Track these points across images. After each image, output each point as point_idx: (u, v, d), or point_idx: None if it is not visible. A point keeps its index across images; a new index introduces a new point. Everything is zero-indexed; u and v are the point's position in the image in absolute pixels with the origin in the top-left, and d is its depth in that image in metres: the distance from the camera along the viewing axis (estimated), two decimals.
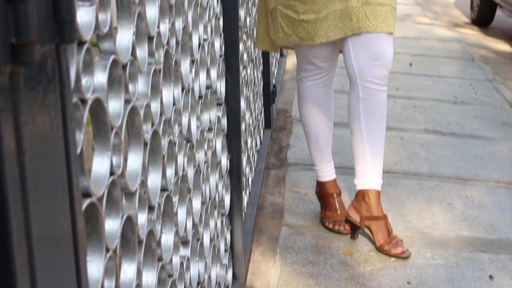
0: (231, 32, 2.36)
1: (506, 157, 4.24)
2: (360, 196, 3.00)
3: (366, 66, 2.79)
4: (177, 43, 1.58)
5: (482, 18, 8.89)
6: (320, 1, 2.76)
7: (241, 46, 2.77)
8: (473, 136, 4.59)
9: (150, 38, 1.33)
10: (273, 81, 4.60)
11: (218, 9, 2.24)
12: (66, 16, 0.73)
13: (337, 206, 3.25)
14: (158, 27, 1.37)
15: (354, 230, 3.09)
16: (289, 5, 2.82)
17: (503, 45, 7.85)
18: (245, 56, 3.00)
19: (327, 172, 3.26)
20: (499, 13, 9.28)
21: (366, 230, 3.02)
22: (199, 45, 1.88)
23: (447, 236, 3.21)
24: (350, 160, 3.89)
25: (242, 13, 2.89)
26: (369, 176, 2.94)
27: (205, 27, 1.99)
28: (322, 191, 3.28)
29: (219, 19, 2.26)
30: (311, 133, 3.24)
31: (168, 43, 1.47)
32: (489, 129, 4.74)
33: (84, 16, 0.97)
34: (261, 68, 4.02)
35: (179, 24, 1.60)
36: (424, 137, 4.50)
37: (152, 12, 1.35)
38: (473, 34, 8.33)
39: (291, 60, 6.06)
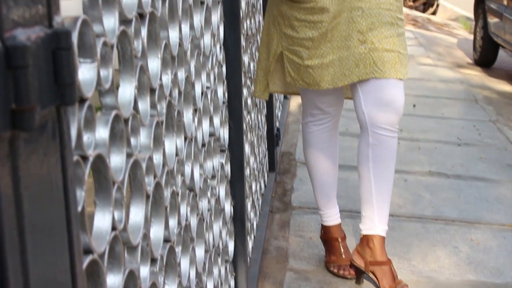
0: (234, 79, 2.37)
1: (511, 199, 4.22)
2: (365, 241, 2.98)
3: (376, 112, 2.78)
4: (179, 93, 1.58)
5: (485, 59, 8.92)
6: (324, 46, 2.75)
7: (245, 92, 2.77)
8: (477, 178, 4.58)
9: (153, 90, 1.33)
10: (277, 124, 4.60)
11: (221, 56, 2.25)
12: (66, 78, 0.73)
13: (342, 250, 3.23)
14: (161, 79, 1.38)
15: (359, 275, 3.07)
16: (294, 50, 2.82)
17: (506, 86, 7.87)
18: (249, 101, 3.01)
19: (332, 217, 3.25)
20: (501, 53, 9.32)
21: (371, 275, 3.00)
22: (202, 94, 1.89)
23: (453, 280, 3.19)
24: (354, 203, 3.88)
25: (246, 58, 2.91)
26: (374, 221, 2.93)
27: (208, 75, 2.00)
28: (327, 236, 3.27)
29: (222, 66, 2.26)
30: (316, 177, 3.23)
31: (170, 94, 1.47)
32: (494, 171, 4.73)
33: (85, 73, 0.97)
34: (265, 111, 4.03)
35: (181, 75, 1.60)
36: (429, 180, 4.49)
37: (154, 64, 1.35)
38: (476, 75, 8.35)
39: (294, 102, 6.07)
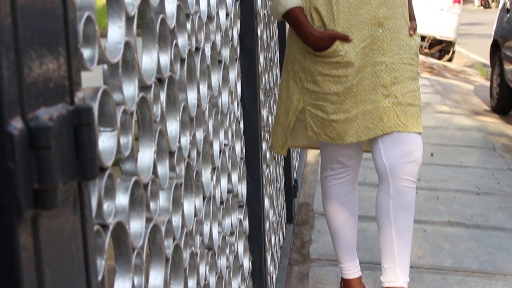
0: (252, 134, 2.38)
1: None
2: None
3: (397, 164, 2.79)
4: (198, 153, 1.59)
5: (502, 106, 8.91)
6: (349, 100, 2.77)
7: (264, 146, 2.78)
8: (497, 228, 4.54)
9: (171, 153, 1.34)
10: (295, 175, 4.61)
11: (238, 112, 2.26)
12: (88, 153, 0.74)
13: None
14: (179, 141, 1.39)
15: None
16: (318, 105, 2.83)
17: None
18: (267, 155, 3.02)
19: (352, 270, 3.24)
20: None
21: None
22: (220, 151, 1.90)
23: None
24: (373, 254, 3.85)
25: (264, 113, 2.92)
26: (396, 273, 2.92)
27: (226, 133, 2.01)
28: None
29: (239, 123, 2.28)
30: (336, 230, 3.22)
31: (189, 155, 1.48)
32: None
33: (105, 141, 0.99)
34: (282, 163, 4.03)
35: (200, 135, 1.61)
36: (448, 230, 4.46)
37: (173, 127, 1.36)
38: (493, 122, 8.33)
39: (312, 152, 6.08)
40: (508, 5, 8.82)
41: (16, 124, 0.63)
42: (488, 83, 10.99)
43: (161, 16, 1.27)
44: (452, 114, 8.59)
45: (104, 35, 1.08)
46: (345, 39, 2.72)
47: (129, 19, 1.10)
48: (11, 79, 0.63)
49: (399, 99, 2.76)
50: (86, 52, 0.92)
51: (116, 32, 1.05)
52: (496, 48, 9.22)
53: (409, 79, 2.79)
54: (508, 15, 8.68)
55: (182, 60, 1.46)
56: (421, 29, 13.91)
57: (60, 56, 0.74)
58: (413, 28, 2.85)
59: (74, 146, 0.73)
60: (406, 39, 2.81)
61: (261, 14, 2.95)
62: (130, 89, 1.10)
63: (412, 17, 2.92)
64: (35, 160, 0.64)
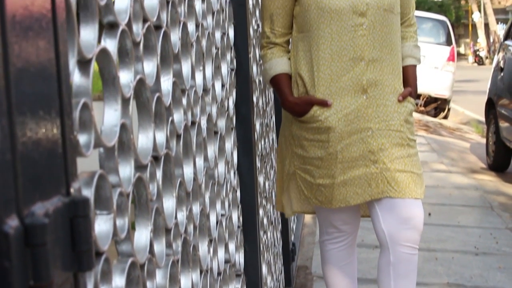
0: (248, 202, 2.38)
1: None
2: None
3: (396, 231, 2.76)
4: (194, 227, 1.59)
5: (499, 164, 8.93)
6: (335, 167, 2.77)
7: (261, 212, 2.78)
8: None
9: (168, 230, 1.34)
10: (292, 238, 4.59)
11: (235, 181, 2.27)
12: (84, 245, 0.74)
13: None
14: (176, 217, 1.39)
15: None
16: (306, 169, 2.84)
17: None
18: (265, 221, 3.01)
19: None
20: None
21: None
22: (217, 222, 1.90)
23: None
24: None
25: (261, 179, 2.93)
26: None
27: (223, 203, 2.01)
28: None
29: (236, 191, 2.28)
30: None
31: (185, 230, 1.48)
32: None
33: (102, 225, 0.99)
34: (280, 227, 4.02)
35: (196, 208, 1.61)
36: None
37: (169, 203, 1.36)
38: (491, 180, 8.34)
39: (309, 214, 6.05)
40: (501, 64, 8.90)
41: (12, 223, 0.63)
42: (484, 140, 11.03)
43: (157, 94, 1.28)
44: (449, 173, 8.60)
45: (101, 98, 1.09)
46: (323, 104, 2.74)
47: (125, 101, 1.11)
48: (7, 176, 0.63)
49: (388, 165, 2.75)
50: (82, 138, 0.93)
51: (112, 115, 1.06)
52: (491, 106, 9.28)
53: (397, 146, 2.78)
54: (502, 74, 8.76)
55: (178, 136, 1.47)
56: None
57: (57, 147, 0.74)
58: (404, 95, 2.83)
59: (69, 237, 0.74)
60: (394, 106, 2.80)
61: (257, 81, 2.97)
62: (126, 170, 1.10)
63: (409, 84, 2.92)
64: (30, 257, 0.65)
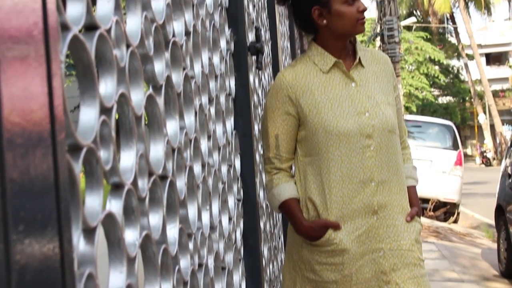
0: None
1: None
2: None
3: None
4: None
5: (511, 270, 8.82)
6: None
7: None
8: None
9: None
10: None
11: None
12: None
13: None
14: None
15: None
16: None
17: None
18: None
19: None
20: None
21: None
22: None
23: None
24: None
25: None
26: None
27: None
28: None
29: None
30: None
31: None
32: None
33: None
34: None
35: None
36: None
37: None
38: None
39: None
40: (509, 170, 8.92)
41: None
42: (495, 245, 10.93)
43: (163, 246, 1.27)
44: (461, 282, 8.49)
45: None
46: (337, 227, 2.73)
47: (130, 260, 1.10)
48: None
49: (400, 286, 2.74)
50: None
51: (117, 277, 1.05)
52: (500, 213, 9.24)
53: (410, 265, 2.77)
54: (510, 180, 8.76)
55: (185, 283, 1.45)
56: (425, 192, 14.00)
57: None
58: (411, 215, 2.84)
59: None
60: (403, 226, 2.81)
61: (264, 206, 2.97)
62: None
63: (414, 204, 2.93)
64: None
